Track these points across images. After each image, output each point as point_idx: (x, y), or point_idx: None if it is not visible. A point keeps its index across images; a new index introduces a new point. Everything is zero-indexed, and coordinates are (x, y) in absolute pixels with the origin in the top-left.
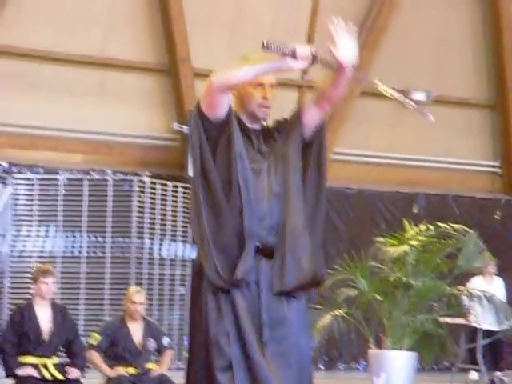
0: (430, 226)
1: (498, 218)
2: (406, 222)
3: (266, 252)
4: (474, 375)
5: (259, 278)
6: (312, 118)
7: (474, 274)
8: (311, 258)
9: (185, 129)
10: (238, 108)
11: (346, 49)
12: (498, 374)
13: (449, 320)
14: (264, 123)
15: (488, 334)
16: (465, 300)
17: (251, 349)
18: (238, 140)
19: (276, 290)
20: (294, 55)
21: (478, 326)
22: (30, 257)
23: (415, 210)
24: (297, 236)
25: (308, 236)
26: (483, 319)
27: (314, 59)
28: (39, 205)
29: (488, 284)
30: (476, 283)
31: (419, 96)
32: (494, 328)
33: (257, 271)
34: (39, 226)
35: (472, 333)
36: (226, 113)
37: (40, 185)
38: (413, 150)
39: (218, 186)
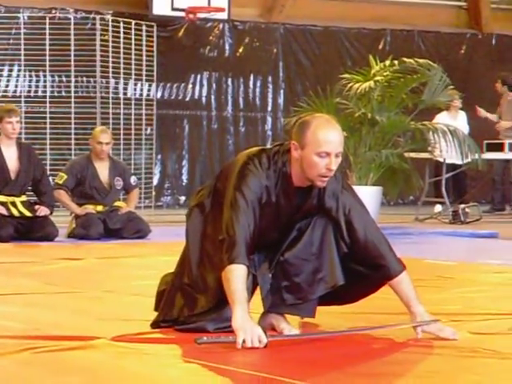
0: (395, 62)
1: (463, 52)
2: (371, 58)
3: None
4: (438, 208)
5: None
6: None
7: (439, 110)
8: None
9: None
10: (295, 166)
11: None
12: (462, 206)
13: (413, 155)
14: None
15: (452, 167)
16: (430, 135)
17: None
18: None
19: None
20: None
21: (442, 160)
22: None
23: (381, 46)
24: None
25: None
26: (447, 153)
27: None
28: (0, 44)
29: (453, 119)
30: (441, 119)
31: None
32: (458, 162)
33: None
34: (1, 65)
35: (436, 167)
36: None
37: (1, 23)
38: None
39: None
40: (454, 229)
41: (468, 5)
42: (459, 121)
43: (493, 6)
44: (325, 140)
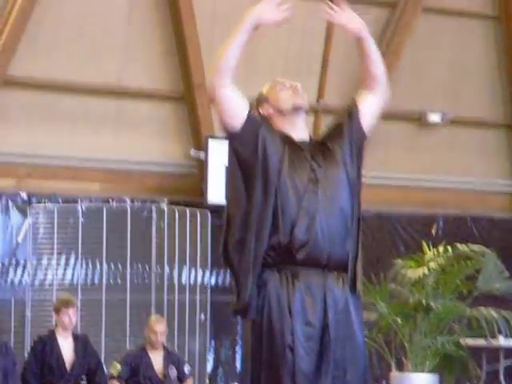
0: (449, 248)
1: None
2: (424, 244)
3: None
4: None
5: (326, 292)
6: (370, 105)
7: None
8: None
9: (202, 155)
10: (278, 121)
11: (349, 16)
12: None
13: (470, 341)
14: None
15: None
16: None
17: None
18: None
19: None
20: None
21: (499, 347)
22: (51, 286)
23: (434, 232)
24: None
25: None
26: (505, 340)
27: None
28: (59, 234)
29: None
30: None
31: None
32: None
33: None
34: (59, 255)
35: (494, 354)
36: (247, 113)
37: (59, 214)
38: (430, 172)
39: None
40: None
41: None
42: None
43: None
44: (276, 80)
